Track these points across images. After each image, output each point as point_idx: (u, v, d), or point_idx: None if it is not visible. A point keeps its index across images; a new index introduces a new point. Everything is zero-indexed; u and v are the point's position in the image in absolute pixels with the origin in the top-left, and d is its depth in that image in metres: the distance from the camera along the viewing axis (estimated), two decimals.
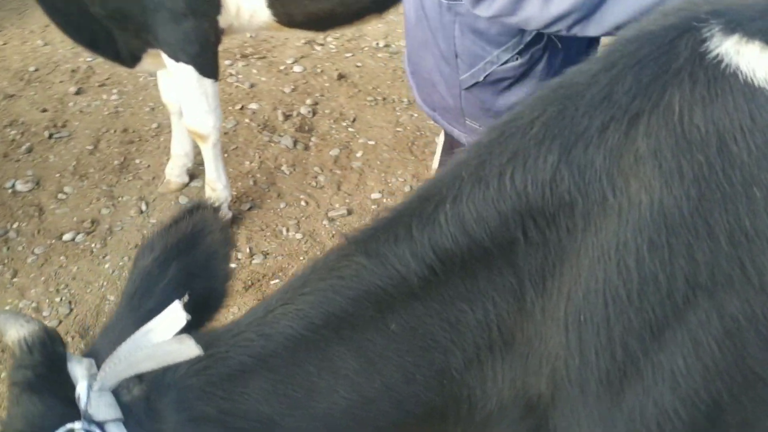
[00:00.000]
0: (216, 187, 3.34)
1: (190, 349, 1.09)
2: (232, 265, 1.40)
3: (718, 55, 1.05)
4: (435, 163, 3.55)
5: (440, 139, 3.56)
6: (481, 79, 1.94)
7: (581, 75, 1.13)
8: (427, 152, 3.78)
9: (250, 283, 3.04)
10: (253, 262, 3.15)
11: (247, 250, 3.22)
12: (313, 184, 3.66)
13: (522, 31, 1.83)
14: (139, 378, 1.12)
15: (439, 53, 2.00)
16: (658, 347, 1.15)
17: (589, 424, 1.25)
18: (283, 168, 3.74)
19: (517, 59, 1.89)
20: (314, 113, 4.07)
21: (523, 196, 1.13)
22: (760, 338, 1.10)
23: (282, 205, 3.53)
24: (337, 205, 3.53)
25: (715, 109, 1.04)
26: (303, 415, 1.22)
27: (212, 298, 1.37)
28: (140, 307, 1.27)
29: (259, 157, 3.80)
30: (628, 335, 1.15)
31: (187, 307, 1.15)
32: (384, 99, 4.14)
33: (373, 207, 3.51)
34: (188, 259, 1.34)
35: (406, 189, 3.59)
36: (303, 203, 3.54)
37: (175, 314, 1.13)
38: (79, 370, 1.11)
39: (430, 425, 1.35)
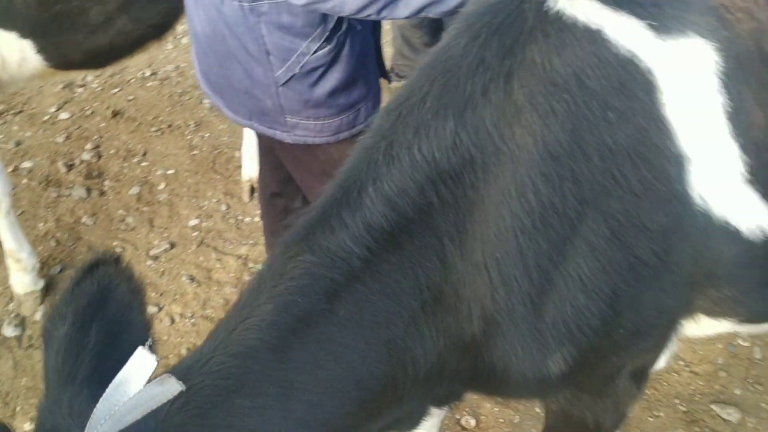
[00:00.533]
0: (20, 257, 3.04)
1: (173, 387, 1.08)
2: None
3: (558, 11, 1.28)
4: (245, 174, 3.57)
5: (244, 151, 3.58)
6: (297, 71, 2.01)
7: (452, 48, 1.30)
8: (231, 167, 3.77)
9: None
10: None
11: None
12: (123, 227, 3.48)
13: (325, 20, 1.95)
14: None
15: (248, 57, 2.03)
16: (564, 260, 1.37)
17: (521, 345, 1.44)
18: (84, 220, 3.50)
19: (325, 46, 1.99)
20: (99, 156, 3.84)
21: (432, 164, 1.28)
22: (635, 228, 1.36)
23: None
24: (156, 242, 3.40)
25: (568, 54, 1.27)
26: (285, 420, 1.26)
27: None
28: (76, 377, 1.21)
29: (54, 216, 3.51)
30: (539, 258, 1.35)
31: (153, 350, 1.13)
32: (169, 126, 4.03)
33: (194, 234, 3.44)
34: (105, 318, 1.29)
35: (223, 208, 3.57)
36: (119, 249, 3.36)
37: (144, 359, 1.11)
38: None
39: (385, 397, 1.44)
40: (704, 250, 1.47)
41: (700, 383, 2.84)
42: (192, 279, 3.23)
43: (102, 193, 3.65)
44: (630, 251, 1.37)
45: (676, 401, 2.78)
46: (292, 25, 1.93)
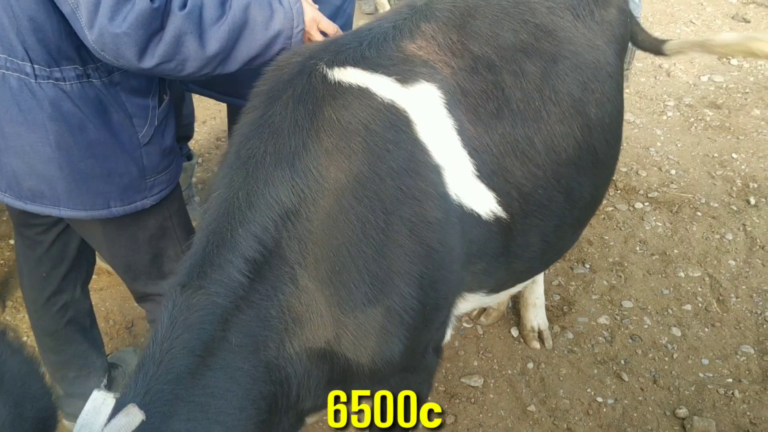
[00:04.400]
0: None
1: (137, 417, 1.25)
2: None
3: (336, 80, 1.74)
4: None
5: None
6: (156, 124, 2.22)
7: (271, 117, 1.68)
8: None
9: None
10: None
11: None
12: None
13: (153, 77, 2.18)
14: None
15: (108, 134, 2.11)
16: (384, 259, 1.77)
17: (368, 337, 1.81)
18: None
19: (165, 97, 2.28)
20: None
21: (281, 204, 1.62)
22: (423, 224, 1.84)
23: None
24: None
25: (352, 109, 1.72)
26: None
27: (47, 418, 1.39)
28: None
29: None
30: (367, 262, 1.75)
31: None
32: None
33: None
34: (5, 392, 1.33)
35: None
36: None
37: (103, 398, 1.25)
38: None
39: (271, 415, 1.70)
40: (464, 234, 2.03)
41: (448, 365, 3.48)
42: None
43: None
44: (424, 242, 1.85)
45: (436, 384, 3.37)
46: (140, 85, 2.14)
